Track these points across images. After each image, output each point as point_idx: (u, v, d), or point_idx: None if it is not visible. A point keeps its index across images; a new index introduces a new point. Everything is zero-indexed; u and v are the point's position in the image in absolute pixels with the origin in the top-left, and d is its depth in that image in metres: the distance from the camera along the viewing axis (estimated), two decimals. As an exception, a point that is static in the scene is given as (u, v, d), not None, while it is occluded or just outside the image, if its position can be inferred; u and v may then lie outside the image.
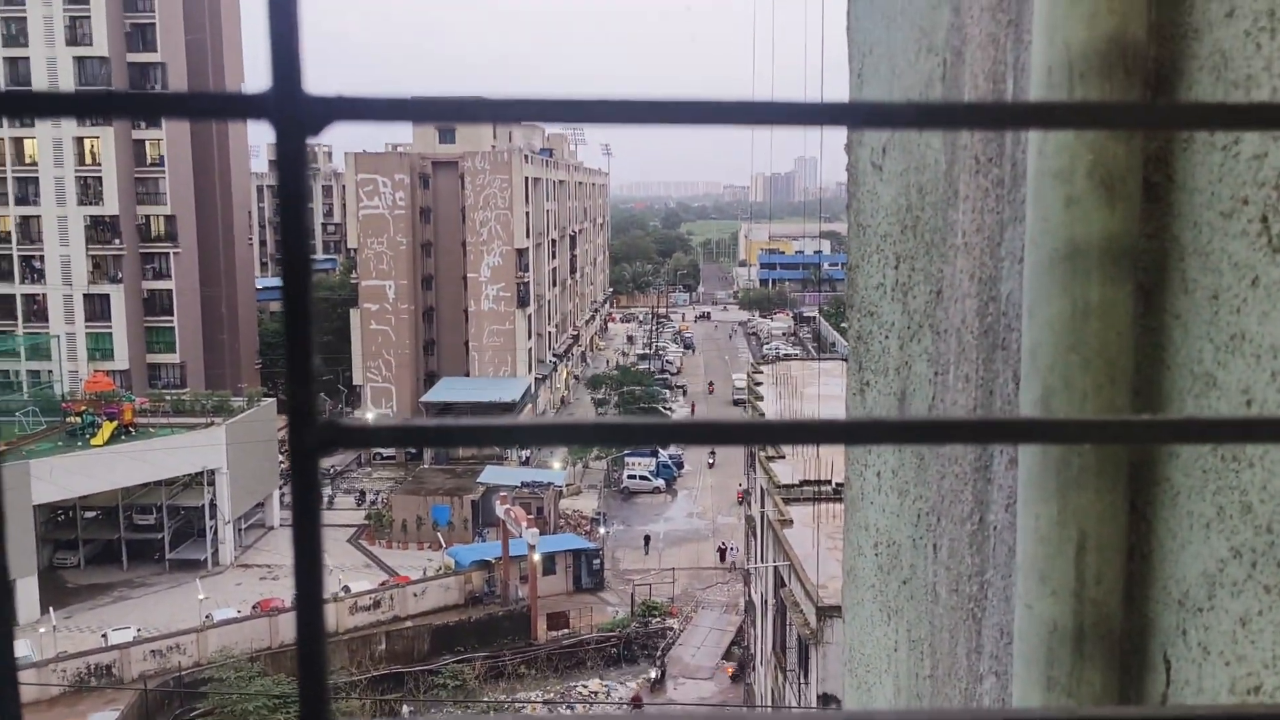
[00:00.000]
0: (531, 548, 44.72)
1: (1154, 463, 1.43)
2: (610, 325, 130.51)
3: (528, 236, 76.71)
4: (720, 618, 47.27)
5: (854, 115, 0.43)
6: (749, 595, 37.98)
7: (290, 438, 0.43)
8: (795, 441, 0.51)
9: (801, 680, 24.31)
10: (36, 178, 71.89)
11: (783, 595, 25.54)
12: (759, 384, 42.98)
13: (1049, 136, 1.47)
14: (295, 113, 0.41)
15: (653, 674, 40.79)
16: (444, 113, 0.43)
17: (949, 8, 2.22)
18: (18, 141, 72.00)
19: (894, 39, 2.54)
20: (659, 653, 44.16)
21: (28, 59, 71.55)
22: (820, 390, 32.66)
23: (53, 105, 0.41)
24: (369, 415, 74.68)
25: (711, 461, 65.29)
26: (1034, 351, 1.46)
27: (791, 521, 26.22)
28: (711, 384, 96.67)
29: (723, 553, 52.36)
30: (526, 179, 76.53)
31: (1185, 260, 1.37)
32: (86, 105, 0.41)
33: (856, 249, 2.93)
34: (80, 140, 71.30)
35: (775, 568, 26.61)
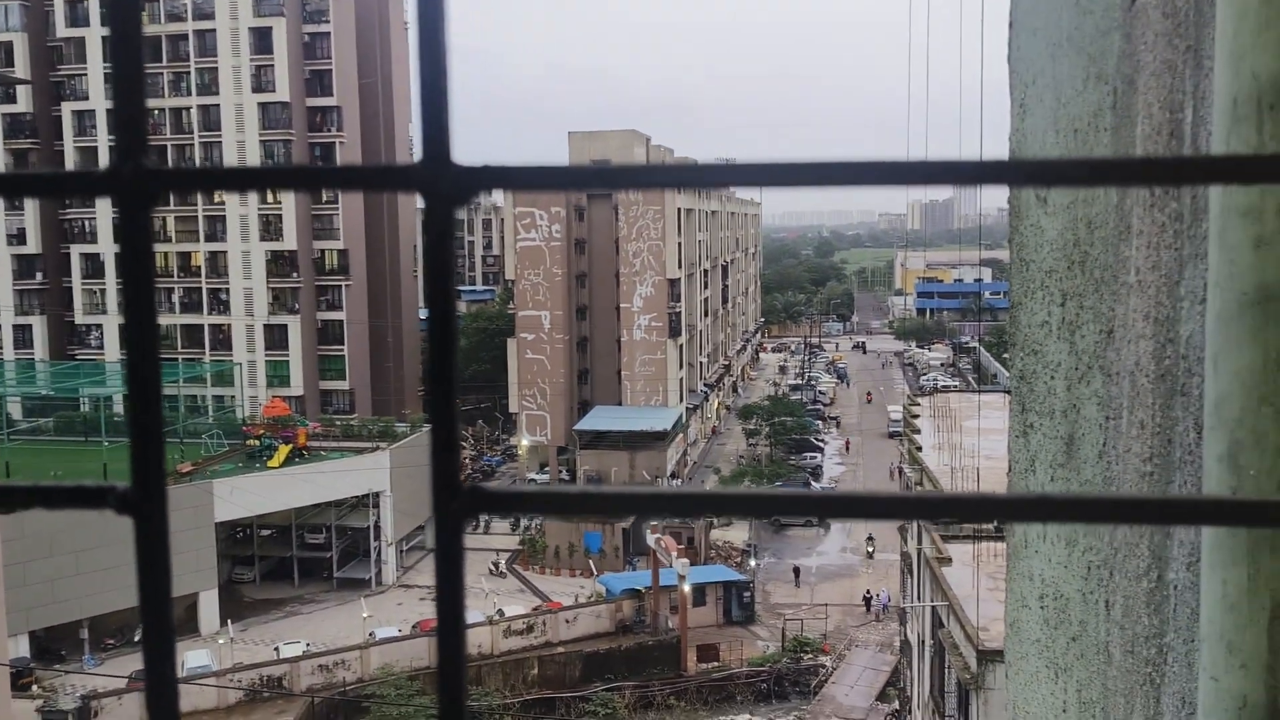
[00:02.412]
0: (682, 578, 44.65)
1: (1361, 528, 1.30)
2: (762, 355, 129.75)
3: (680, 267, 77.29)
4: (875, 657, 45.95)
5: (1014, 173, 0.43)
6: (905, 635, 36.80)
7: (434, 503, 0.44)
8: (947, 517, 0.49)
9: (961, 726, 23.31)
10: (224, 215, 77.31)
11: (941, 636, 24.64)
12: (916, 416, 41.81)
13: (1235, 171, 1.37)
14: (443, 184, 0.43)
15: None
16: (588, 180, 0.45)
17: (1120, 34, 2.12)
18: (209, 183, 77.55)
19: (1059, 68, 2.44)
20: (811, 690, 43.26)
21: (218, 105, 77.24)
22: (981, 424, 31.51)
23: (222, 180, 0.44)
24: (524, 441, 76.46)
25: (871, 549, 56.79)
26: (1220, 403, 1.35)
27: (950, 560, 25.32)
28: (870, 394, 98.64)
29: (868, 601, 50.47)
30: (679, 210, 77.25)
31: (1396, 305, 1.25)
32: (254, 180, 0.44)
33: (1019, 285, 2.81)
34: (263, 180, 76.27)
35: (933, 608, 25.72)
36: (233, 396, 71.47)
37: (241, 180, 0.45)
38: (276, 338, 77.33)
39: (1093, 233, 2.30)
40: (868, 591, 51.05)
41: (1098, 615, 2.20)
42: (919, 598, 28.83)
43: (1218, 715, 1.34)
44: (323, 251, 79.01)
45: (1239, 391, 1.32)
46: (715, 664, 45.08)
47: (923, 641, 28.64)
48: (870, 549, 53.62)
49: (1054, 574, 2.50)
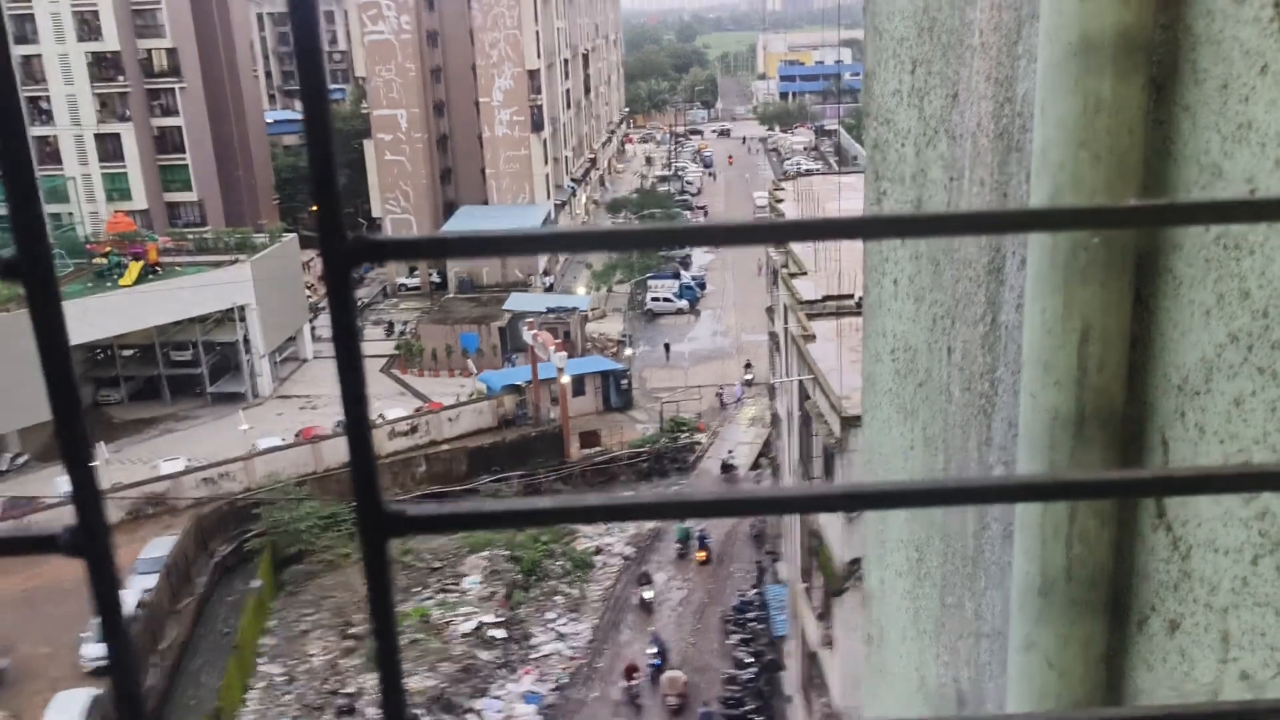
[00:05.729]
0: (560, 370, 45.53)
1: (1158, 254, 1.46)
2: (628, 146, 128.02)
3: (539, 57, 74.41)
4: (746, 431, 48.46)
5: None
6: (774, 409, 38.73)
7: (322, 250, 0.44)
8: (805, 238, 0.53)
9: (826, 488, 25.07)
10: (32, 14, 69.92)
11: (808, 408, 26.07)
12: (780, 201, 42.45)
13: (1066, -74, 1.44)
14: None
15: (647, 594, 37.01)
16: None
17: None
18: (8, -24, 69.58)
19: None
20: (689, 466, 45.65)
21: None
22: (841, 205, 32.25)
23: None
24: (391, 247, 74.68)
25: (749, 379, 53.35)
26: (1045, 149, 1.47)
27: (814, 336, 26.46)
28: (731, 158, 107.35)
29: (721, 396, 52.14)
30: (535, -5, 73.60)
31: (1197, 50, 1.36)
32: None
33: (873, 55, 2.87)
34: (72, -28, 68.85)
35: (800, 382, 27.06)
36: (70, 214, 67.11)
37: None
38: (110, 148, 71.99)
39: (941, -3, 2.35)
40: (720, 387, 52.70)
41: (940, 361, 2.41)
42: (786, 374, 30.23)
43: (1034, 427, 1.54)
44: (149, 51, 72.72)
45: (1061, 138, 1.44)
46: (597, 449, 46.84)
47: (790, 414, 30.27)
48: (749, 377, 53.74)
49: (904, 328, 2.70)
